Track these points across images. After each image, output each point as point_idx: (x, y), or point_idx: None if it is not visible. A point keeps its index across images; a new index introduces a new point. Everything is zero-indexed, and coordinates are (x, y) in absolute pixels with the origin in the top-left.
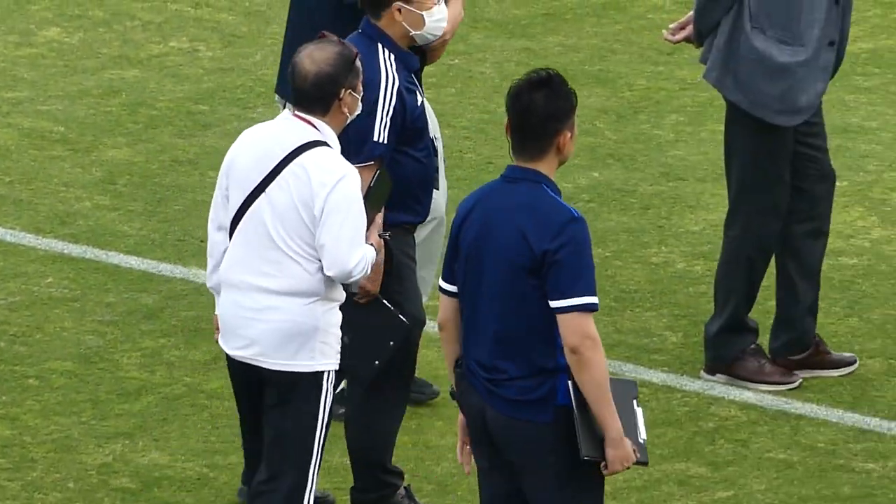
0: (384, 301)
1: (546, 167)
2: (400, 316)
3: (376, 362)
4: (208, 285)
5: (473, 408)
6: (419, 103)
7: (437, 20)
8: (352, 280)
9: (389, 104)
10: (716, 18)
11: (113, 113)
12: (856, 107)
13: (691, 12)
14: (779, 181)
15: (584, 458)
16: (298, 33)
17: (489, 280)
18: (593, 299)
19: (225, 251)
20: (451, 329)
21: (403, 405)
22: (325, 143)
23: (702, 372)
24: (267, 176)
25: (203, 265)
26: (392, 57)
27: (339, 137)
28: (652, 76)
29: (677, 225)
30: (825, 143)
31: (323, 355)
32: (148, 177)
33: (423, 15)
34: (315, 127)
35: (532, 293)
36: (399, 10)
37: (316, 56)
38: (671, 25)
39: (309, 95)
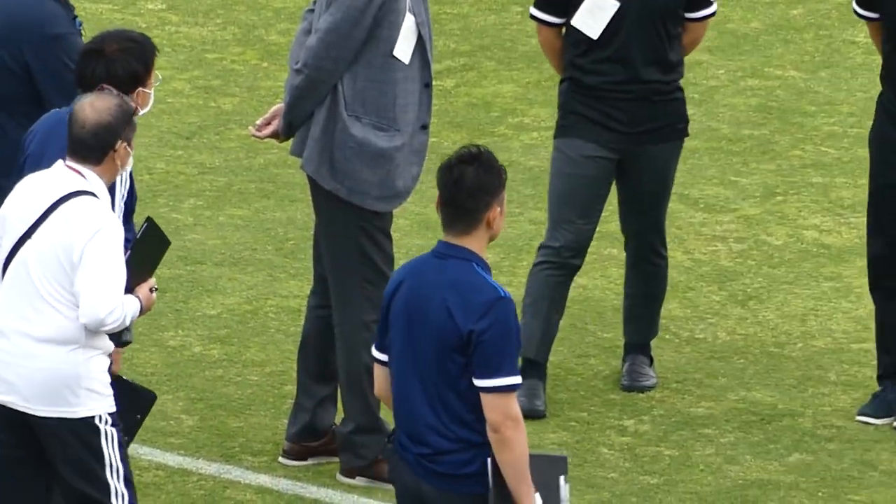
0: (122, 378)
1: (476, 243)
2: (142, 388)
3: (126, 438)
4: None
5: (407, 485)
6: (134, 188)
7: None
8: (106, 329)
9: (128, 182)
10: (309, 110)
11: None
12: None
13: (276, 106)
14: (389, 262)
15: None
16: None
17: (418, 355)
18: (517, 379)
19: None
20: (388, 398)
21: None
22: (91, 193)
23: (338, 475)
24: (33, 224)
25: None
26: None
27: None
28: (171, 160)
29: (195, 309)
30: None
31: (90, 399)
32: None
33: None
34: (83, 176)
35: (458, 370)
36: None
37: (97, 105)
38: (258, 122)
39: (86, 143)
